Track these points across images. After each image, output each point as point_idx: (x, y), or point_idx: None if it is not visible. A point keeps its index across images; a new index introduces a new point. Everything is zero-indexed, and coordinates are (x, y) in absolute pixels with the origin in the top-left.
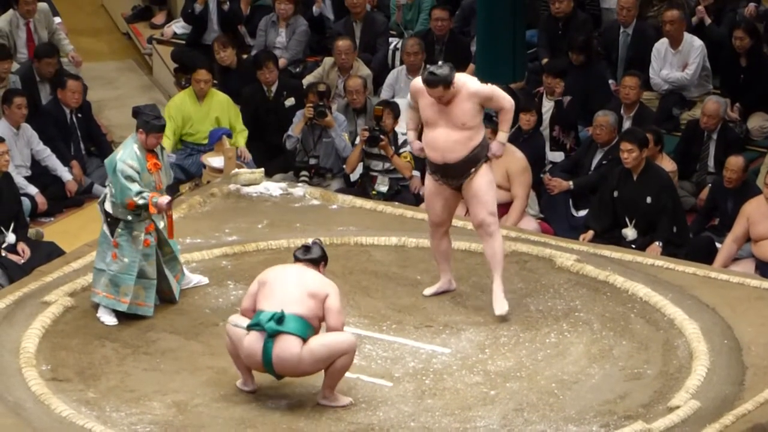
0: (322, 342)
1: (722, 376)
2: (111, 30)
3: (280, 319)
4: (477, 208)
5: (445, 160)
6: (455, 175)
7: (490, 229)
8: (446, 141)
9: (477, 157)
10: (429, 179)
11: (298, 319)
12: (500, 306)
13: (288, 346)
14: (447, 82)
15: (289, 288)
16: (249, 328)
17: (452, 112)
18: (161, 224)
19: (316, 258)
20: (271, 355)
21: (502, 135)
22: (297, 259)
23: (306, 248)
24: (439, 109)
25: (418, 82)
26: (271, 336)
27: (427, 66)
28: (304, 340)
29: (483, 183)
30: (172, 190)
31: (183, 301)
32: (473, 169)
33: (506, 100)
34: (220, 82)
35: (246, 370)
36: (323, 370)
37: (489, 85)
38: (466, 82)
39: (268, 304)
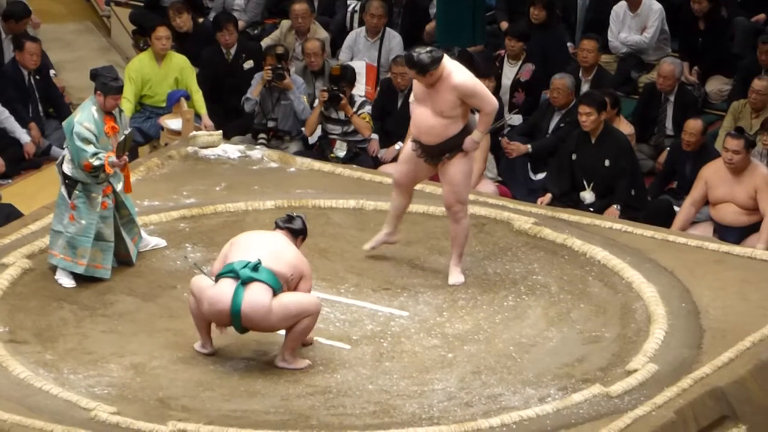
0: (292, 298)
1: (680, 340)
2: None
3: (255, 267)
4: (448, 194)
5: (419, 139)
6: (430, 153)
7: (458, 216)
8: (424, 122)
9: (452, 146)
10: (409, 146)
11: (272, 273)
12: (455, 278)
13: (260, 295)
14: (421, 70)
15: (266, 247)
16: (220, 276)
17: (434, 97)
18: (119, 186)
19: (296, 229)
20: (241, 303)
21: (477, 134)
22: (277, 226)
23: (289, 218)
24: (425, 89)
25: None
26: (244, 283)
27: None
28: (275, 293)
29: (457, 172)
30: (131, 153)
31: (140, 263)
32: (447, 155)
33: (487, 103)
34: (177, 47)
35: (205, 332)
36: (285, 331)
37: (475, 82)
38: (453, 72)
39: (240, 256)
